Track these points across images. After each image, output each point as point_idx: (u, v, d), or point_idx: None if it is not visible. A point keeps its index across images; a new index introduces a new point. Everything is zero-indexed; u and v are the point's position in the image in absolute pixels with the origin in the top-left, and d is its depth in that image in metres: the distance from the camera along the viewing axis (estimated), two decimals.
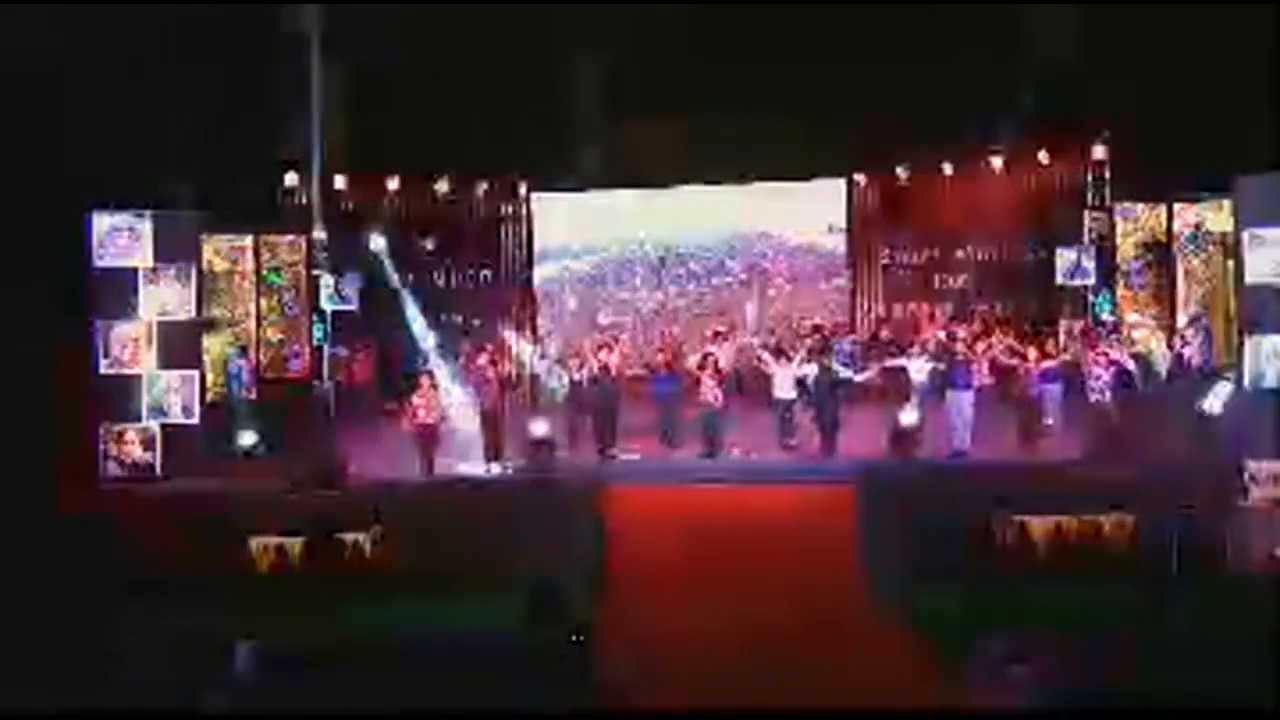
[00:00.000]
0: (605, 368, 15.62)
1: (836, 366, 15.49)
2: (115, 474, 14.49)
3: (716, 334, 18.22)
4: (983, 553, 12.08)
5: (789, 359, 15.65)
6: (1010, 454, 14.54)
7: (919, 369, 15.44)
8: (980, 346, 15.91)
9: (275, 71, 16.94)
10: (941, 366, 15.21)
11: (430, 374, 15.49)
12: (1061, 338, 17.84)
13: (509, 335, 18.62)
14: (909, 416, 14.30)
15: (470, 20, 17.43)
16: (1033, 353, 15.19)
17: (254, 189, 17.74)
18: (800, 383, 15.38)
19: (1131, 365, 14.74)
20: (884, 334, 18.86)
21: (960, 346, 15.54)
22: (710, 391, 15.11)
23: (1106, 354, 14.63)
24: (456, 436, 15.22)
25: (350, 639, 9.84)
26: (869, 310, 20.02)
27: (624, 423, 15.61)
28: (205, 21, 15.56)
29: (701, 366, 15.54)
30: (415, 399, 14.60)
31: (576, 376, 15.92)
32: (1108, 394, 14.25)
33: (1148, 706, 6.46)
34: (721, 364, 15.78)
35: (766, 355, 16.03)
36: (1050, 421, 15.04)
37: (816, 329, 18.02)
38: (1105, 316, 17.21)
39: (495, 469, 14.69)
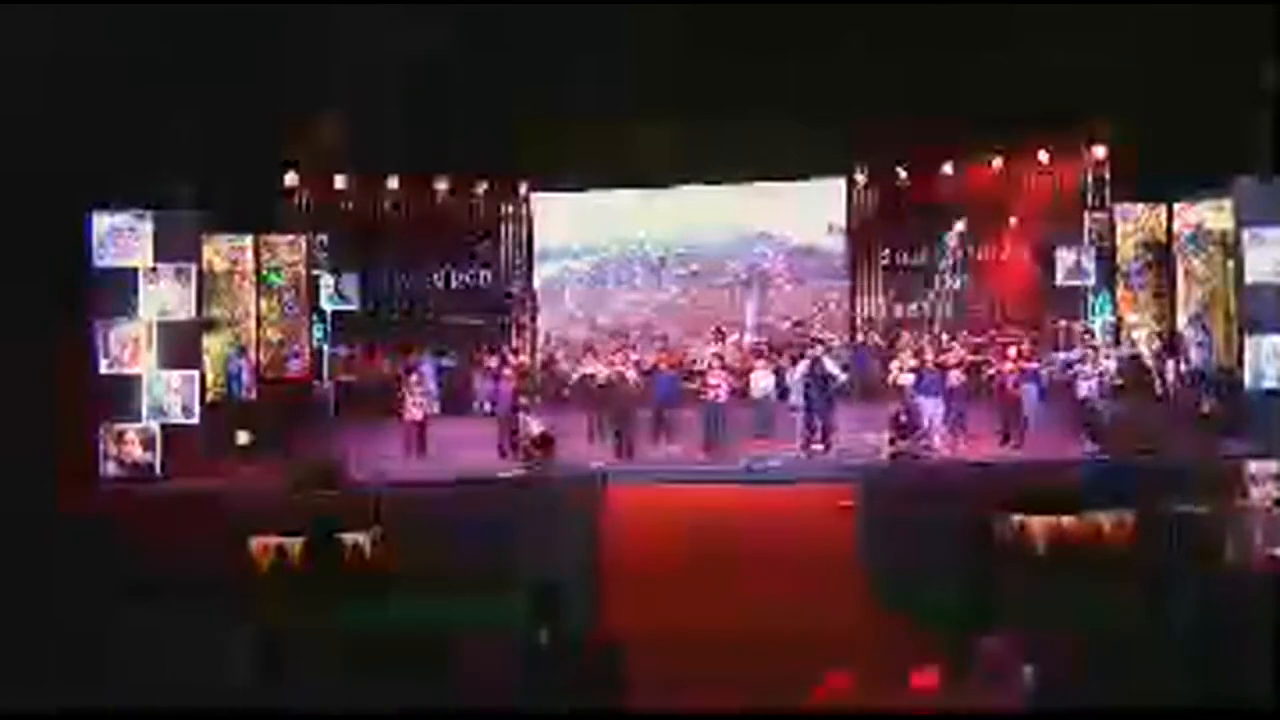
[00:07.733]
0: (618, 370, 15.67)
1: (829, 364, 15.52)
2: (115, 474, 14.50)
3: (718, 331, 18.29)
4: (983, 553, 12.08)
5: (773, 358, 15.73)
6: (1005, 454, 14.56)
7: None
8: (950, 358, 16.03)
9: (275, 71, 16.93)
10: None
11: (427, 372, 15.53)
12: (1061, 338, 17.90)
13: (513, 336, 18.66)
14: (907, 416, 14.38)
15: (471, 19, 17.41)
16: (1012, 352, 15.31)
17: (254, 189, 17.72)
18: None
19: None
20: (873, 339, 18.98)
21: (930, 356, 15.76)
22: (714, 390, 15.15)
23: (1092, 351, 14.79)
24: (459, 435, 15.24)
25: (350, 639, 9.83)
26: (869, 310, 20.05)
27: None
28: (205, 21, 15.55)
29: (709, 366, 15.61)
30: (416, 395, 14.65)
31: (591, 370, 15.99)
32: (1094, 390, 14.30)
33: (1147, 706, 6.44)
34: (726, 362, 15.87)
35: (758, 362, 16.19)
36: (1028, 419, 15.14)
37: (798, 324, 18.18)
38: (1107, 318, 17.25)
39: (500, 467, 14.72)
